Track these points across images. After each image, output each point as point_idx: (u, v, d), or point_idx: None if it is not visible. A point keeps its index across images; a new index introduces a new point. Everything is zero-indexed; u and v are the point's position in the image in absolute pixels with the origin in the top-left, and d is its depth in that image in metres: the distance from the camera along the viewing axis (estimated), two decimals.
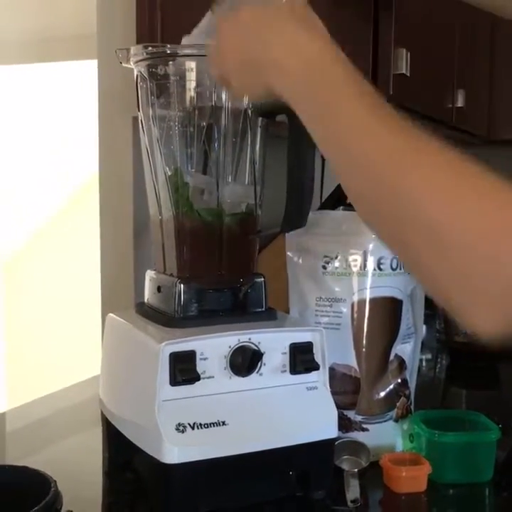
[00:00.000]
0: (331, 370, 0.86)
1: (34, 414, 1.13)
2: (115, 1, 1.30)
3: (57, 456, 0.72)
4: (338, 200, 1.59)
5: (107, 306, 1.35)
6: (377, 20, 1.00)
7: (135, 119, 1.23)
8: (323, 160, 1.87)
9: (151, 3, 1.13)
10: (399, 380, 0.95)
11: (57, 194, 2.84)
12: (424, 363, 1.46)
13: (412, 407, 0.97)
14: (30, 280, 2.90)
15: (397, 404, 0.94)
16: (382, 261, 0.92)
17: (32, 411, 1.14)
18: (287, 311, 0.95)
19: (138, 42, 1.14)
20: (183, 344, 0.74)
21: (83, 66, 2.15)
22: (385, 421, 0.93)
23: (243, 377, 0.76)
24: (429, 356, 1.53)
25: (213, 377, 0.75)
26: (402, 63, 1.00)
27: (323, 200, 1.68)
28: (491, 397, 1.35)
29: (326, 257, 0.93)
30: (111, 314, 0.87)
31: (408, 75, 1.02)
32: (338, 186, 1.72)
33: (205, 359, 0.74)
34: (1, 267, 2.94)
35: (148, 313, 0.84)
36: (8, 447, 1.05)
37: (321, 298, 0.93)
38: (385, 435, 0.92)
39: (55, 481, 0.62)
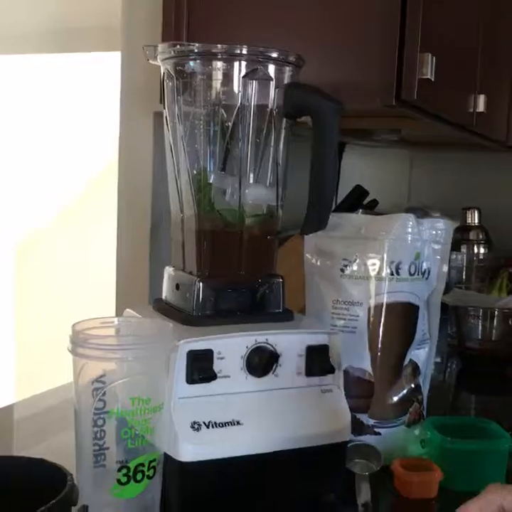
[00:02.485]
0: (346, 373, 0.86)
1: (43, 405, 1.13)
2: None
3: (65, 445, 0.72)
4: (354, 202, 1.60)
5: (121, 299, 1.36)
6: (404, 24, 0.99)
7: (156, 113, 1.24)
8: (340, 161, 1.87)
9: None
10: (412, 386, 0.95)
11: (75, 184, 2.85)
12: (433, 367, 1.46)
13: (425, 412, 0.97)
14: (44, 271, 2.91)
15: (410, 409, 0.94)
16: (400, 266, 0.92)
17: (42, 401, 1.15)
18: (300, 311, 0.96)
19: (163, 36, 1.14)
20: (201, 342, 0.74)
21: (106, 58, 2.15)
22: (397, 426, 0.93)
23: (259, 377, 0.77)
24: (438, 360, 1.53)
25: (229, 376, 0.75)
26: (428, 68, 1.00)
27: (338, 200, 1.69)
28: (502, 404, 1.34)
29: (344, 260, 0.93)
30: (128, 309, 0.87)
31: (433, 79, 1.02)
32: (354, 188, 1.73)
33: (222, 358, 0.75)
34: (14, 256, 2.95)
35: (166, 310, 0.84)
36: (17, 436, 1.06)
37: (338, 301, 0.93)
38: (396, 440, 0.92)
39: (71, 475, 0.63)
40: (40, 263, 2.91)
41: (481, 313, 1.52)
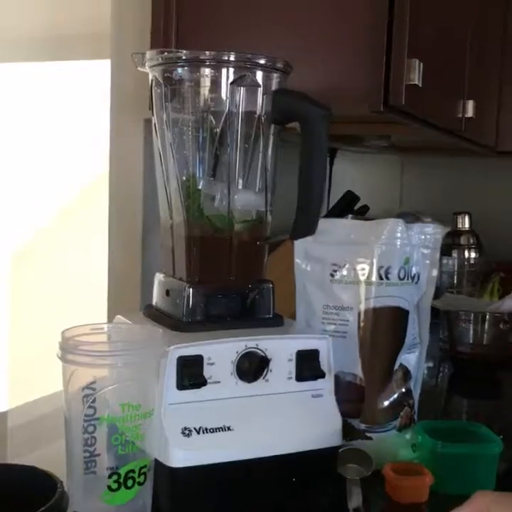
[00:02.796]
0: (337, 378, 0.86)
1: (37, 412, 1.13)
2: (130, 2, 1.30)
3: (59, 453, 0.73)
4: (345, 207, 1.61)
5: (112, 306, 1.36)
6: (391, 30, 1.00)
7: (146, 120, 1.25)
8: (331, 167, 1.88)
9: (167, 5, 1.14)
10: (403, 390, 0.95)
11: (67, 192, 2.85)
12: (425, 372, 1.46)
13: (416, 416, 0.98)
14: (37, 278, 2.90)
15: (401, 413, 0.94)
16: (389, 271, 0.92)
17: (35, 409, 1.15)
18: (291, 316, 0.96)
19: (152, 43, 1.15)
20: (191, 348, 0.74)
21: (95, 66, 2.16)
22: (388, 430, 0.93)
23: (249, 383, 0.77)
24: (431, 365, 1.53)
25: (220, 382, 0.75)
26: (415, 74, 1.01)
27: (330, 206, 1.69)
28: (493, 408, 1.35)
29: (334, 265, 0.93)
30: (119, 316, 0.87)
31: (420, 85, 1.03)
32: (345, 194, 1.74)
33: (212, 364, 0.75)
34: (8, 264, 2.95)
35: (157, 316, 0.84)
36: (11, 444, 1.05)
37: (328, 306, 0.93)
38: (388, 444, 0.92)
39: (62, 482, 0.63)
40: (34, 270, 2.91)
41: (472, 318, 1.53)
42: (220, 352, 0.75)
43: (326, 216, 1.28)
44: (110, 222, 1.34)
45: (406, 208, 2.18)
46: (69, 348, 0.67)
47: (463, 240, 1.88)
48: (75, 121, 2.74)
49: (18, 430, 1.09)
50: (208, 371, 0.74)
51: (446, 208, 1.93)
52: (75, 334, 0.70)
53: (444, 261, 1.85)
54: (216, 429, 0.74)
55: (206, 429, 0.73)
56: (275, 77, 0.83)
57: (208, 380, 0.74)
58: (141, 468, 0.68)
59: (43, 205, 2.86)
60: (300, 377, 0.79)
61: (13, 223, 2.90)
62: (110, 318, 1.26)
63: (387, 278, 0.92)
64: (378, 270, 0.92)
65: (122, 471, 0.67)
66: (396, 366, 0.94)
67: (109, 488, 0.67)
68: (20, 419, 1.13)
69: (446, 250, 1.86)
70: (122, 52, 1.27)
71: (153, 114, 0.84)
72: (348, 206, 1.57)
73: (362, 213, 1.59)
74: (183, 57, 0.81)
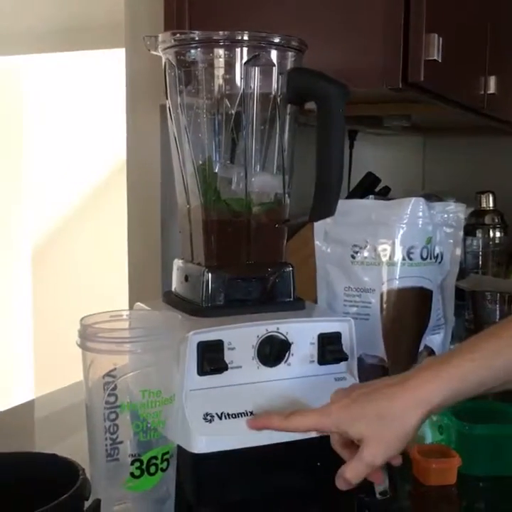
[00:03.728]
0: (360, 360, 0.85)
1: (62, 402, 1.14)
2: None
3: (85, 443, 0.73)
4: (366, 188, 1.59)
5: (134, 294, 1.35)
6: (409, 5, 0.98)
7: (163, 107, 1.23)
8: (351, 148, 1.85)
9: None
10: None
11: (85, 181, 2.86)
12: None
13: None
14: (58, 268, 2.93)
15: None
16: (411, 251, 0.91)
17: (60, 399, 1.15)
18: (314, 301, 0.95)
19: (165, 26, 1.14)
20: (211, 333, 0.73)
21: (112, 54, 2.15)
22: None
23: (271, 367, 0.76)
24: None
25: (241, 367, 0.75)
26: (434, 49, 0.98)
27: (351, 189, 1.67)
28: None
29: (354, 246, 0.92)
30: (138, 303, 0.87)
31: (440, 60, 1.00)
32: (366, 176, 1.71)
33: (232, 349, 0.74)
34: (30, 253, 2.97)
35: (176, 302, 0.83)
36: (37, 434, 1.06)
37: (349, 288, 0.92)
38: None
39: (84, 469, 0.63)
40: (56, 260, 2.93)
41: (498, 298, 1.50)
42: (241, 336, 0.74)
43: (347, 198, 1.26)
44: (129, 210, 1.34)
45: (429, 189, 2.15)
46: (88, 336, 0.67)
47: (487, 220, 1.85)
48: (94, 111, 2.74)
49: (44, 421, 1.10)
50: (228, 356, 0.74)
51: (470, 188, 1.89)
52: (94, 322, 0.69)
53: (468, 241, 1.82)
54: (238, 414, 0.73)
55: (228, 414, 0.72)
56: (290, 56, 0.81)
57: (229, 365, 0.73)
58: (164, 454, 0.68)
59: (63, 194, 2.88)
60: (322, 360, 0.78)
61: (34, 213, 2.92)
62: (131, 306, 1.26)
63: (410, 258, 0.91)
64: (400, 250, 0.90)
65: (145, 458, 0.67)
66: (421, 347, 0.93)
67: (132, 475, 0.67)
68: (45, 409, 1.13)
69: (470, 230, 1.83)
70: (136, 39, 1.25)
71: (167, 98, 0.83)
72: (369, 188, 1.55)
73: (383, 195, 1.57)
74: (196, 38, 0.79)
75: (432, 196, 1.53)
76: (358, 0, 1.02)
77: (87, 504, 0.61)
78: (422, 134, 2.28)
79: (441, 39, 1.00)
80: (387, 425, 0.65)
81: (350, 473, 0.67)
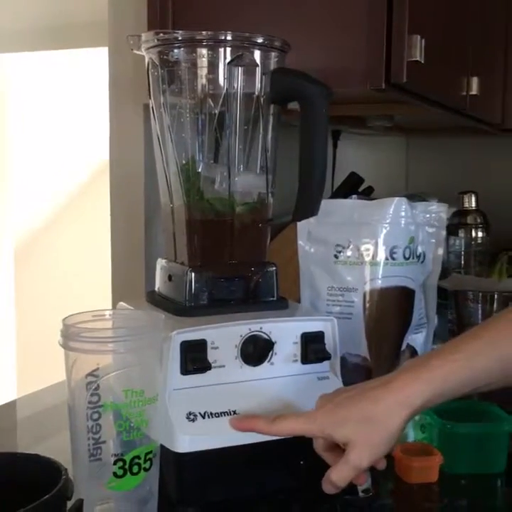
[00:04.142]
0: (343, 359, 0.85)
1: (44, 403, 1.13)
2: None
3: (67, 444, 0.72)
4: (350, 188, 1.59)
5: (117, 293, 1.35)
6: (391, 6, 0.98)
7: (146, 106, 1.23)
8: (335, 148, 1.85)
9: None
10: None
11: (69, 180, 2.85)
12: None
13: None
14: (41, 267, 2.91)
15: None
16: (394, 250, 0.91)
17: (42, 399, 1.15)
18: (298, 300, 0.95)
19: (149, 26, 1.13)
20: (194, 333, 0.73)
21: (95, 53, 2.14)
22: None
23: (254, 366, 0.76)
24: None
25: (224, 366, 0.75)
26: (416, 50, 0.99)
27: (334, 188, 1.68)
28: (504, 387, 1.34)
29: (338, 246, 0.92)
30: (121, 302, 0.86)
31: (422, 61, 1.01)
32: (349, 176, 1.71)
33: (216, 348, 0.74)
34: (12, 253, 2.95)
35: (159, 301, 0.83)
36: (19, 435, 1.05)
37: (332, 287, 0.92)
38: None
39: (66, 469, 0.62)
40: (39, 260, 2.91)
41: (480, 297, 1.51)
42: (224, 336, 0.75)
43: (330, 198, 1.26)
44: (112, 210, 1.33)
45: (412, 189, 2.16)
46: (71, 335, 0.67)
47: (469, 220, 1.86)
48: (77, 110, 2.73)
49: (26, 421, 1.09)
50: (212, 355, 0.74)
51: (453, 188, 1.91)
52: (77, 321, 0.69)
53: (451, 241, 1.83)
54: (221, 413, 0.73)
55: (211, 413, 0.73)
56: (273, 56, 0.82)
57: (212, 365, 0.74)
58: (147, 454, 0.68)
59: (47, 193, 2.86)
60: (305, 359, 0.79)
61: (17, 212, 2.91)
62: (114, 305, 1.25)
63: (393, 258, 0.91)
64: (383, 250, 0.91)
65: (127, 458, 0.67)
66: (403, 347, 0.94)
67: (115, 474, 0.66)
68: (27, 409, 1.13)
69: (453, 230, 1.84)
70: (120, 38, 1.25)
71: (150, 98, 0.83)
72: (353, 188, 1.56)
73: (367, 194, 1.58)
74: (179, 38, 0.79)
75: (415, 196, 1.54)
76: (341, 1, 1.02)
77: (69, 504, 0.61)
78: (406, 134, 2.29)
79: (423, 40, 1.01)
80: (372, 428, 0.66)
81: (337, 477, 0.67)
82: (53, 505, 0.58)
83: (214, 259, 0.82)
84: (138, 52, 0.83)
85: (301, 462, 0.77)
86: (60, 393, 1.15)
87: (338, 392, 0.70)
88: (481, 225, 1.86)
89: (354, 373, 0.90)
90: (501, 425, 0.88)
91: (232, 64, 0.79)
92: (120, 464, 0.67)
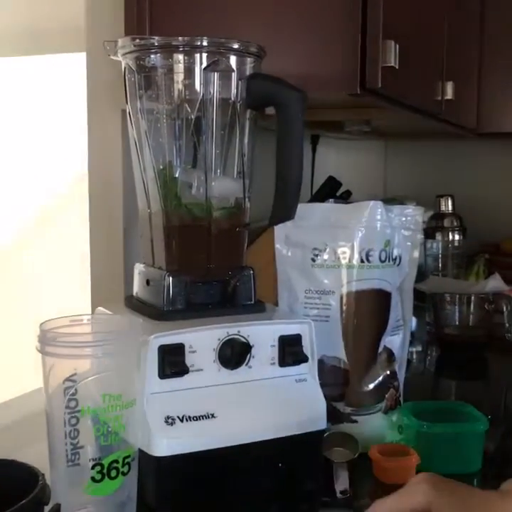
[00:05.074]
0: (320, 362, 0.86)
1: (21, 410, 1.12)
2: None
3: (45, 451, 0.72)
4: (328, 193, 1.60)
5: (96, 299, 1.35)
6: (365, 12, 0.99)
7: (124, 112, 1.23)
8: (314, 152, 1.87)
9: None
10: (388, 372, 0.95)
11: (47, 187, 2.83)
12: (414, 356, 1.47)
13: (401, 398, 0.98)
14: (18, 273, 2.89)
15: (386, 396, 0.94)
16: (370, 253, 0.92)
17: (19, 406, 1.14)
18: (276, 304, 0.96)
19: (126, 31, 1.14)
20: (172, 337, 0.74)
21: (73, 59, 2.14)
22: (374, 413, 0.93)
23: (232, 369, 0.76)
24: (419, 349, 1.54)
25: (202, 369, 0.75)
26: (391, 55, 1.00)
27: (313, 192, 1.69)
28: (480, 388, 1.35)
29: (315, 249, 0.93)
30: (100, 308, 0.86)
31: (397, 67, 1.02)
32: (327, 180, 1.73)
33: (193, 352, 0.74)
34: None
35: (137, 306, 0.84)
36: None
37: (310, 290, 0.93)
38: (374, 427, 0.92)
39: (43, 474, 0.62)
40: (16, 266, 2.89)
41: (457, 300, 1.53)
42: (202, 339, 0.75)
43: (309, 202, 1.27)
44: (91, 215, 1.33)
45: (390, 193, 2.18)
46: (48, 340, 0.67)
47: (446, 223, 1.89)
48: (54, 116, 2.72)
49: (2, 429, 1.08)
50: (189, 359, 0.74)
51: (431, 192, 1.93)
52: (54, 326, 0.69)
53: (429, 244, 1.86)
54: (199, 416, 0.73)
55: (189, 417, 0.73)
56: (249, 61, 0.82)
57: (190, 368, 0.74)
58: (125, 458, 0.68)
59: (24, 199, 2.84)
60: (283, 362, 0.79)
61: None
62: (94, 311, 1.25)
63: (369, 261, 0.92)
64: (359, 253, 0.92)
65: (105, 462, 0.67)
66: (380, 349, 0.94)
67: (93, 479, 0.67)
68: (4, 417, 1.12)
69: (430, 233, 1.86)
70: (97, 43, 1.25)
71: (127, 103, 0.83)
72: (331, 192, 1.57)
73: (345, 198, 1.59)
74: (156, 44, 0.80)
75: (393, 200, 1.56)
76: (315, 6, 1.03)
77: (47, 509, 0.61)
78: (384, 138, 2.32)
79: (398, 46, 1.02)
80: None
81: None
82: (30, 510, 0.58)
83: (192, 264, 0.83)
84: (114, 58, 0.83)
85: (280, 464, 0.78)
86: (37, 401, 1.14)
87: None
88: (457, 228, 1.88)
89: (331, 375, 0.91)
90: (476, 425, 0.90)
91: (208, 69, 0.79)
92: (98, 468, 0.67)
